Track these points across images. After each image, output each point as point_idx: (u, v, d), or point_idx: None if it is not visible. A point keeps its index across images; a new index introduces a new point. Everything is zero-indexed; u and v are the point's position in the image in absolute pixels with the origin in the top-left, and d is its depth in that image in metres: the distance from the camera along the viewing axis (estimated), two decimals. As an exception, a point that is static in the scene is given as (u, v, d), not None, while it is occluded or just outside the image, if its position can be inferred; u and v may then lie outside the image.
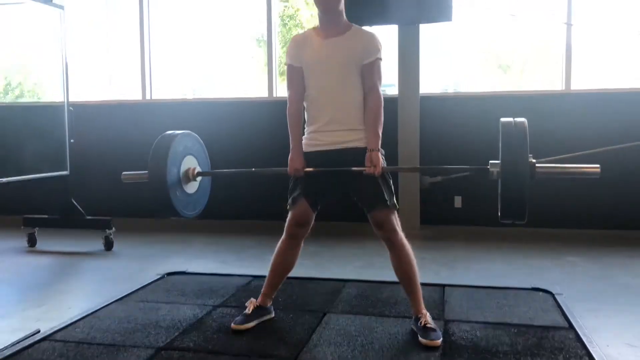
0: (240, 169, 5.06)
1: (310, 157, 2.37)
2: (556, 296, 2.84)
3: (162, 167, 2.36)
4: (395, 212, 2.35)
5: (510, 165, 2.00)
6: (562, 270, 3.62)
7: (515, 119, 2.10)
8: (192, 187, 2.55)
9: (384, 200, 2.30)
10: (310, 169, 2.34)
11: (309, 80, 2.36)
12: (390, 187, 2.35)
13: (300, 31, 5.51)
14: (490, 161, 2.16)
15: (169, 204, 2.40)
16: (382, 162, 2.28)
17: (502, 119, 2.12)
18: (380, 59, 2.31)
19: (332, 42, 2.31)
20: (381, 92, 2.32)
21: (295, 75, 2.37)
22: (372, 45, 2.29)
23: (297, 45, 2.37)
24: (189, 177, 2.51)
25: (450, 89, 5.24)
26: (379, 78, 2.31)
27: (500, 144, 2.06)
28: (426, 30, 4.71)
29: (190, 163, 2.54)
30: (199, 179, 2.58)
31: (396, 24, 4.58)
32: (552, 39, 4.86)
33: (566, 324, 2.46)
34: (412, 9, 4.39)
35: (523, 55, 5.21)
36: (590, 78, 4.81)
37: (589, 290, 3.18)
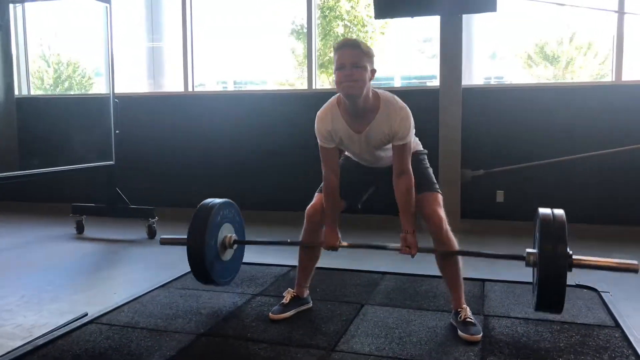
0: (281, 162, 5.12)
1: (352, 162, 2.46)
2: (602, 294, 2.76)
3: (200, 240, 2.44)
4: (441, 201, 2.35)
5: (548, 259, 2.01)
6: (608, 268, 3.50)
7: (554, 210, 2.11)
8: (227, 255, 2.62)
9: (433, 185, 2.38)
10: (345, 244, 2.41)
11: (346, 150, 2.46)
12: (433, 175, 2.42)
13: (340, 23, 5.50)
14: (527, 250, 2.16)
15: (206, 276, 2.50)
16: (417, 244, 2.27)
17: (541, 210, 2.13)
18: (412, 137, 2.28)
19: (364, 135, 2.26)
20: (412, 173, 2.28)
21: (329, 155, 2.35)
22: (403, 129, 2.22)
23: (328, 130, 2.30)
24: (225, 245, 2.58)
25: (494, 81, 5.13)
26: (409, 156, 2.29)
27: (537, 234, 2.09)
28: (469, 21, 4.61)
29: (227, 231, 2.61)
30: (235, 246, 2.64)
31: (438, 14, 4.50)
32: (602, 28, 4.68)
33: (612, 323, 2.39)
34: (455, -1, 4.30)
35: (571, 46, 5.04)
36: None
37: (637, 288, 3.07)
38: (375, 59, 2.20)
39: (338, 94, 2.27)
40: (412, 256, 2.29)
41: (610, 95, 4.50)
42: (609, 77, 4.60)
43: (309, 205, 2.46)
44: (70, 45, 5.86)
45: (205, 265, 2.46)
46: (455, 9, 4.38)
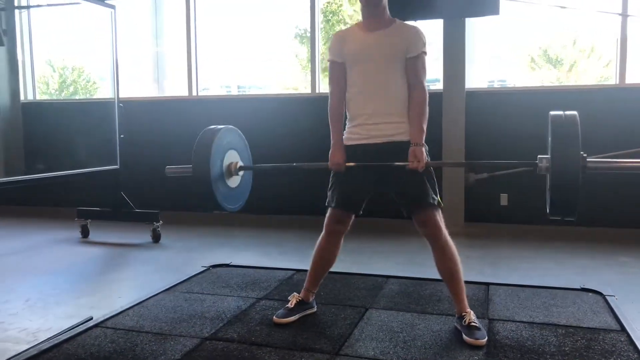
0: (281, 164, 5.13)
1: (351, 151, 2.36)
2: (607, 297, 2.74)
3: (205, 162, 2.39)
4: (439, 209, 2.32)
5: (561, 158, 1.92)
6: (613, 271, 3.49)
7: (566, 111, 2.02)
8: (234, 182, 2.58)
9: (428, 198, 2.27)
10: (351, 164, 2.32)
11: (352, 73, 2.34)
12: (435, 184, 2.32)
13: (343, 27, 5.52)
14: (539, 155, 2.09)
15: (212, 198, 2.43)
16: (425, 157, 2.25)
17: (552, 112, 2.05)
18: (425, 53, 2.28)
19: (376, 35, 2.29)
20: (426, 87, 2.28)
21: (337, 71, 2.37)
22: (417, 39, 2.26)
23: (340, 40, 2.36)
24: (231, 171, 2.54)
25: (497, 84, 5.12)
26: (424, 72, 2.28)
27: (549, 137, 1.99)
28: (472, 24, 4.62)
29: (232, 157, 2.56)
30: (241, 173, 2.61)
31: (441, 18, 4.51)
32: (606, 31, 4.67)
33: (618, 327, 2.37)
34: (458, 2, 4.31)
35: (574, 49, 5.03)
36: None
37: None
38: None
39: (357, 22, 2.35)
40: (420, 169, 2.21)
41: (614, 98, 4.49)
42: (612, 80, 4.59)
43: (329, 217, 2.44)
44: (75, 50, 5.89)
45: (211, 187, 2.39)
46: (458, 13, 4.39)
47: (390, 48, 2.27)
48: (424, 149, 2.24)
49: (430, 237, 2.32)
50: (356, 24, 2.41)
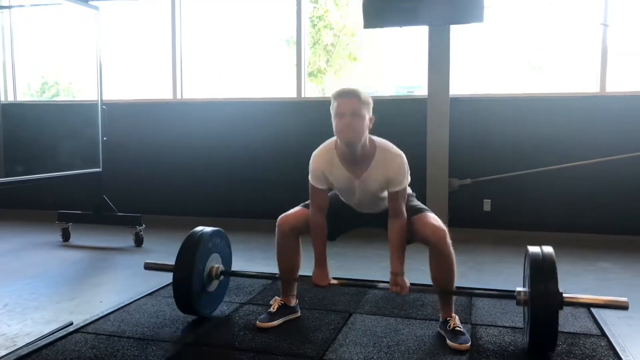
0: (269, 170, 5.11)
1: (340, 201, 2.46)
2: (588, 303, 2.77)
3: (188, 270, 2.38)
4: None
5: (541, 299, 2.00)
6: (594, 277, 3.54)
7: (543, 247, 2.15)
8: (213, 286, 2.56)
9: (421, 210, 2.36)
10: (335, 282, 2.43)
11: (339, 194, 2.43)
12: (422, 205, 2.40)
13: (331, 34, 5.53)
14: (517, 288, 2.18)
15: (191, 305, 2.44)
16: (407, 284, 2.28)
17: (530, 248, 2.18)
18: (407, 183, 2.29)
19: (361, 180, 2.26)
20: (405, 216, 2.28)
21: (318, 194, 2.33)
22: (399, 177, 2.22)
23: (323, 172, 2.29)
24: (212, 275, 2.52)
25: (481, 91, 5.18)
26: (404, 201, 2.29)
27: (528, 274, 2.10)
28: (457, 31, 4.66)
29: (214, 261, 2.56)
30: (221, 277, 2.60)
31: (426, 24, 4.54)
32: (587, 40, 4.75)
33: (598, 332, 2.41)
34: (443, 9, 4.34)
35: (556, 57, 5.11)
36: (626, 80, 4.68)
37: (622, 297, 3.10)
38: (371, 107, 2.21)
39: (334, 138, 2.26)
40: (402, 296, 2.29)
41: (595, 106, 4.57)
42: (593, 89, 4.67)
43: (284, 213, 2.44)
44: (58, 50, 5.82)
45: (192, 295, 2.38)
46: (442, 20, 4.42)
47: (376, 189, 2.28)
48: (405, 277, 2.28)
49: (438, 243, 2.26)
50: (335, 147, 2.26)
